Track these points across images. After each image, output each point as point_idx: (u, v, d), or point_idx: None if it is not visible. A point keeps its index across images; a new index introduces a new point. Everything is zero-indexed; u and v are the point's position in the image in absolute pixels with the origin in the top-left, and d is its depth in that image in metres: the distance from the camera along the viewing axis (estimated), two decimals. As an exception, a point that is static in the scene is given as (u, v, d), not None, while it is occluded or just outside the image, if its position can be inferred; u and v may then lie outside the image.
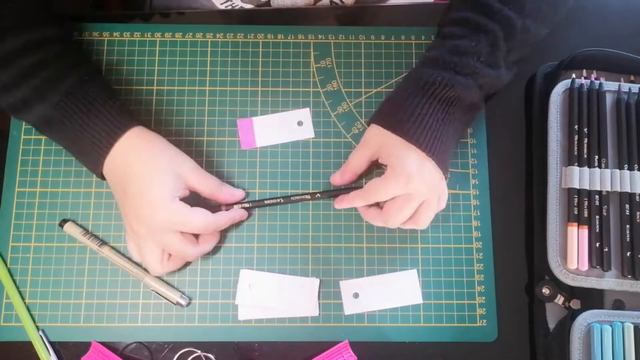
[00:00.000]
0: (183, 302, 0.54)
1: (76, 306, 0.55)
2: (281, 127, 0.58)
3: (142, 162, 0.50)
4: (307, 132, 0.59)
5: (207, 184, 0.52)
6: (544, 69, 0.59)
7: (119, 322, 0.54)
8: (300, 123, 0.59)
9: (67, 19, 0.61)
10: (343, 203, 0.54)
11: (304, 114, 0.59)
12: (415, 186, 0.49)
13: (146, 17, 0.63)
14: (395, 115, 0.51)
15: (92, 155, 0.50)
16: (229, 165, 0.58)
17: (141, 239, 0.50)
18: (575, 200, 0.54)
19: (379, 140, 0.52)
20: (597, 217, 0.53)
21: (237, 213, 0.55)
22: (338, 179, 0.55)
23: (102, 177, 0.52)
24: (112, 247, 0.55)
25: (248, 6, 0.64)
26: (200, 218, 0.50)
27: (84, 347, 0.53)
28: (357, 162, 0.53)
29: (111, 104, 0.51)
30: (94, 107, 0.50)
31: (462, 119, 0.53)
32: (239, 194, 0.55)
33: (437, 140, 0.50)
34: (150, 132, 0.52)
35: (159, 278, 0.54)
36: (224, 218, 0.53)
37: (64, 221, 0.55)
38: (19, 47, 0.49)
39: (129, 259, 0.54)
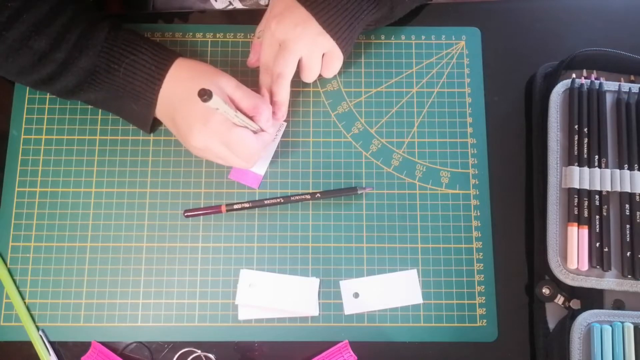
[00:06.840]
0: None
1: (76, 306, 0.55)
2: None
3: (188, 86, 0.51)
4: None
5: (250, 99, 0.52)
6: (544, 69, 0.59)
7: (119, 322, 0.54)
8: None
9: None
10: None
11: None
12: (283, 27, 0.52)
13: (146, 17, 0.63)
14: None
15: (145, 93, 0.52)
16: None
17: (214, 147, 0.51)
18: (575, 200, 0.54)
19: None
20: (597, 217, 0.53)
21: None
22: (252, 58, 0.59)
23: (151, 129, 0.56)
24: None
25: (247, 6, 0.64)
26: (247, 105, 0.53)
27: (84, 347, 0.54)
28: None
29: (150, 42, 0.53)
30: (137, 46, 0.52)
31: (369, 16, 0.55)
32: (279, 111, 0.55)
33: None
34: (192, 60, 0.54)
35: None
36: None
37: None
38: (49, 10, 0.50)
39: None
